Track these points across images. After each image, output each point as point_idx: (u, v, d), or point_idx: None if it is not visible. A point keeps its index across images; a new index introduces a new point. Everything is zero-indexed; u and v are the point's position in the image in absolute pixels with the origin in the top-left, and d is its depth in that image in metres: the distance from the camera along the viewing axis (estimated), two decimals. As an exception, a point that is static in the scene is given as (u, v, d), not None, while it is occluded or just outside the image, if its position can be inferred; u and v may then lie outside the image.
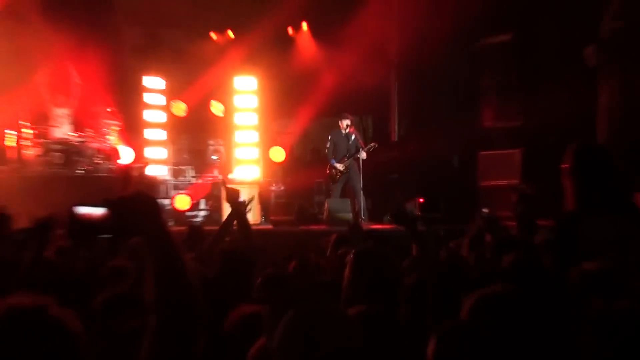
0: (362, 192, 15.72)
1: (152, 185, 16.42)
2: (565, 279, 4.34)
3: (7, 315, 2.20)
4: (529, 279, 4.35)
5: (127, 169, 16.17)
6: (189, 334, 2.44)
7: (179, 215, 16.24)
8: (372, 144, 16.05)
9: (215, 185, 17.45)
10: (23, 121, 15.85)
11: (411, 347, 3.32)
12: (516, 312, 3.33)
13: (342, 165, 15.79)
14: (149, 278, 2.47)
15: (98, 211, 2.45)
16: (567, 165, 5.08)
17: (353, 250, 4.57)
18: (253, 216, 14.88)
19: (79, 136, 16.27)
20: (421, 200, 6.94)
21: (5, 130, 15.62)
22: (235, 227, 6.66)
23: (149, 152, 17.95)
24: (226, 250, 5.79)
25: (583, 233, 4.78)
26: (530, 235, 6.41)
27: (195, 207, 17.27)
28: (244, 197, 6.88)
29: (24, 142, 15.87)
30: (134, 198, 2.46)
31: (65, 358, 2.19)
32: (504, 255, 4.80)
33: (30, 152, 15.84)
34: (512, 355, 3.09)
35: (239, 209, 6.24)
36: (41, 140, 15.87)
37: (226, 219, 6.61)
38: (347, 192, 16.17)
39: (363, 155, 15.62)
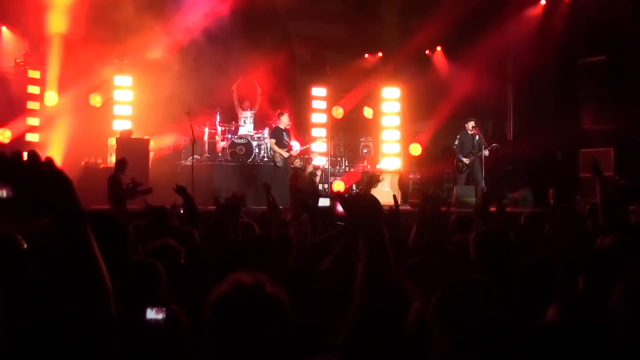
0: (483, 181, 16.94)
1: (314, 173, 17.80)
2: None
3: (234, 290, 2.36)
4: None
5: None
6: (384, 319, 2.54)
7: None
8: (494, 144, 17.38)
9: (365, 174, 18.90)
10: (216, 121, 18.25)
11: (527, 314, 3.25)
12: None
13: (467, 159, 17.13)
14: (360, 267, 2.58)
15: (337, 206, 2.62)
16: None
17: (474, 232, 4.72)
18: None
19: (259, 133, 18.23)
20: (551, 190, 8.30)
21: (203, 128, 17.98)
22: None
23: (314, 146, 19.44)
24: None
25: None
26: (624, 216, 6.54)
27: (348, 190, 18.40)
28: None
29: (216, 137, 18.21)
30: (363, 200, 2.67)
31: (277, 329, 2.32)
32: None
33: (220, 145, 18.06)
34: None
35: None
36: (229, 136, 18.00)
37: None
38: (471, 181, 17.45)
39: (485, 152, 17.04)
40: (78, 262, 2.03)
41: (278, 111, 17.39)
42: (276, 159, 16.71)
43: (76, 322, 2.03)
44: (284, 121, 17.04)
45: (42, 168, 2.00)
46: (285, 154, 16.77)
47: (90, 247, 2.05)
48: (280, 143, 16.70)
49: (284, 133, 16.91)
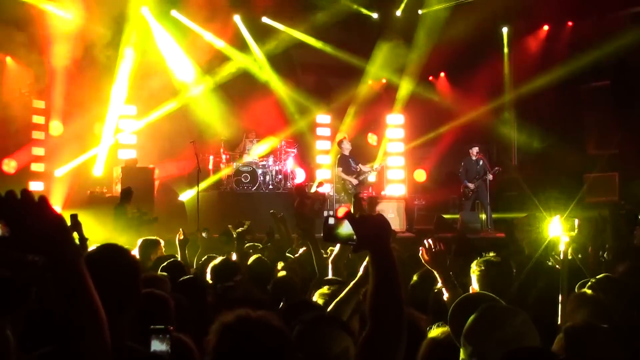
0: (489, 207, 16.97)
1: (322, 199, 17.99)
2: None
3: (238, 325, 2.38)
4: None
5: (301, 187, 17.81)
6: (397, 342, 2.45)
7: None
8: (497, 168, 17.42)
9: (370, 200, 18.20)
10: (221, 149, 18.38)
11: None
12: None
13: (472, 184, 17.18)
14: (370, 288, 2.52)
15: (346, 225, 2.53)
16: None
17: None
18: (400, 225, 17.27)
19: (263, 160, 18.42)
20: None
21: (208, 157, 18.19)
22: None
23: (319, 174, 19.90)
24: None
25: None
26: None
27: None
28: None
29: (221, 165, 18.33)
30: (373, 219, 2.58)
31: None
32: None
33: (225, 173, 18.20)
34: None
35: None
36: (234, 164, 18.11)
37: None
38: (477, 206, 17.53)
39: (490, 177, 17.02)
40: (72, 296, 2.09)
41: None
42: (347, 187, 16.70)
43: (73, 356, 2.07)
44: (346, 147, 17.10)
45: (35, 206, 2.06)
46: (355, 181, 16.82)
47: (83, 282, 2.11)
48: (349, 170, 16.76)
49: (350, 160, 16.97)
